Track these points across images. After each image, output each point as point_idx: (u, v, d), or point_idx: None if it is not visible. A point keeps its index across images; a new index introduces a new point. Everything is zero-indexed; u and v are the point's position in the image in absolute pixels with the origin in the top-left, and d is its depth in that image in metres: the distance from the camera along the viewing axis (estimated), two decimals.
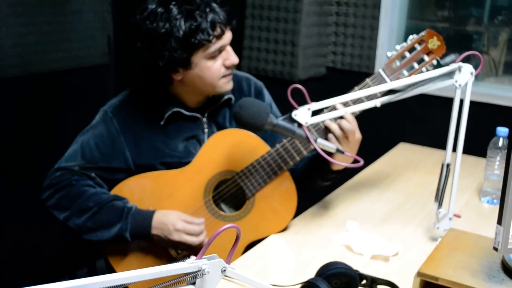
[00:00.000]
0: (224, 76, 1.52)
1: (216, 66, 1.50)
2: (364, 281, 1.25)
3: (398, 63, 1.49)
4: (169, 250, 1.54)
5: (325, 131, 1.47)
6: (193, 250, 1.48)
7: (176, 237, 1.45)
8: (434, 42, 1.46)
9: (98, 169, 1.54)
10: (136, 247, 1.55)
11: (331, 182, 1.65)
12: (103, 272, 0.78)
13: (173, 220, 1.45)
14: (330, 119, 1.44)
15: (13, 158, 2.45)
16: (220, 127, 1.63)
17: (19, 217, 2.47)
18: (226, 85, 1.54)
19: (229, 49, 1.52)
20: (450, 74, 1.37)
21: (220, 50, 1.50)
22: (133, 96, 1.60)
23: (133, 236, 1.47)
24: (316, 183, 1.64)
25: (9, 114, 2.41)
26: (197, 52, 1.45)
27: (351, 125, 1.45)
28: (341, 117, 1.45)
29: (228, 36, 1.50)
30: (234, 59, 1.52)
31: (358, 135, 1.47)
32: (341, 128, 1.44)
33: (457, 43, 2.72)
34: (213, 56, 1.48)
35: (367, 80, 1.49)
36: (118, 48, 2.88)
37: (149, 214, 1.47)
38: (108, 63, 2.86)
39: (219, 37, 1.46)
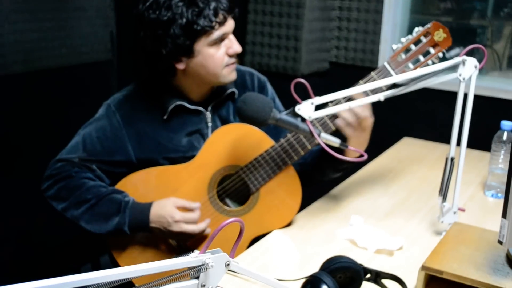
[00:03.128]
0: (227, 66, 1.52)
1: (219, 54, 1.49)
2: (368, 275, 1.25)
3: (403, 56, 1.48)
4: (169, 240, 1.54)
5: (335, 120, 1.46)
6: (194, 238, 1.49)
7: (176, 228, 1.45)
8: (440, 34, 1.45)
9: (99, 162, 1.55)
10: (140, 241, 1.56)
11: (342, 173, 1.65)
12: (107, 268, 0.78)
13: (170, 212, 1.45)
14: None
15: (17, 154, 2.46)
16: (224, 121, 1.62)
17: (23, 212, 2.48)
18: (230, 75, 1.54)
19: (232, 37, 1.52)
20: (454, 68, 1.36)
21: (223, 38, 1.49)
22: (136, 90, 1.60)
23: (132, 230, 1.48)
24: (327, 175, 1.64)
25: (12, 111, 2.41)
26: (199, 39, 1.45)
27: (365, 110, 1.44)
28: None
29: (230, 23, 1.50)
30: (237, 47, 1.52)
31: (371, 119, 1.47)
32: (354, 115, 1.44)
33: (461, 37, 2.71)
34: (216, 44, 1.48)
35: (372, 73, 1.48)
36: (120, 44, 2.88)
37: (146, 207, 1.48)
38: (111, 59, 2.86)
39: (221, 23, 1.46)
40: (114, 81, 2.90)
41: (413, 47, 1.47)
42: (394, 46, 1.48)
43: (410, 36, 1.47)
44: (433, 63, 1.47)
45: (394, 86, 1.42)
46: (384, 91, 1.44)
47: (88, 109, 1.71)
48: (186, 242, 1.53)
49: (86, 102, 2.14)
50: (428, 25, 1.45)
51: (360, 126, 1.44)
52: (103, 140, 1.54)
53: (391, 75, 1.47)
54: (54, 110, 2.57)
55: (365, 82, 1.48)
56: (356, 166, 1.67)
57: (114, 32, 2.84)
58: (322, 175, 1.63)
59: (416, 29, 1.47)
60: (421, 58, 1.47)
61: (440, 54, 1.47)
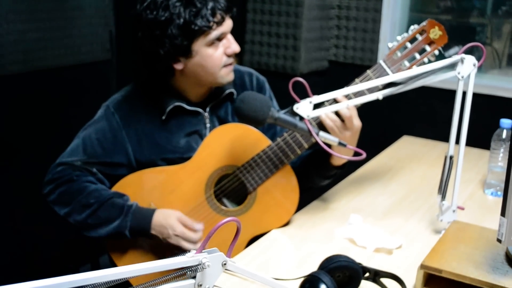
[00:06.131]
0: (225, 66, 1.51)
1: (217, 54, 1.49)
2: (367, 274, 1.25)
3: (399, 54, 1.47)
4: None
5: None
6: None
7: (174, 241, 1.46)
8: (436, 32, 1.44)
9: (99, 164, 1.54)
10: (138, 243, 1.55)
11: (330, 181, 1.64)
12: (107, 268, 0.78)
13: (173, 224, 1.45)
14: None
15: (16, 154, 2.45)
16: (222, 121, 1.62)
17: (22, 213, 2.48)
18: (228, 75, 1.53)
19: (230, 37, 1.51)
20: (452, 66, 1.36)
21: (221, 38, 1.49)
22: (135, 91, 1.60)
23: (132, 234, 1.48)
24: (314, 182, 1.63)
25: (11, 111, 2.41)
26: (197, 39, 1.45)
27: (349, 111, 1.43)
28: None
29: (228, 23, 1.49)
30: (235, 47, 1.51)
31: (357, 123, 1.44)
32: (338, 116, 1.43)
33: (460, 35, 2.71)
34: (213, 44, 1.47)
35: (368, 71, 1.48)
36: (120, 44, 2.88)
37: (149, 213, 1.47)
38: (110, 59, 2.86)
39: (219, 23, 1.45)
40: (113, 81, 2.89)
41: (409, 45, 1.47)
42: (390, 44, 1.47)
43: (405, 34, 1.47)
44: (429, 61, 1.46)
45: (391, 84, 1.41)
46: (381, 89, 1.44)
47: (87, 109, 1.71)
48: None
49: (85, 102, 2.14)
50: (424, 23, 1.45)
51: (344, 126, 1.43)
52: (103, 141, 1.54)
53: (387, 73, 1.47)
54: (53, 110, 2.57)
55: (361, 81, 1.48)
56: (355, 165, 1.67)
57: (113, 31, 2.84)
58: (308, 182, 1.62)
59: (412, 27, 1.46)
60: (417, 55, 1.47)
61: (436, 52, 1.47)
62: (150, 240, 1.53)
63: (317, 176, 1.61)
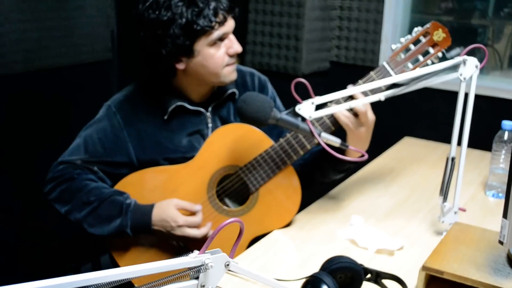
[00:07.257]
0: (227, 65, 1.51)
1: (219, 54, 1.49)
2: (368, 275, 1.25)
3: (402, 56, 1.47)
4: (172, 241, 1.54)
5: (335, 121, 1.46)
6: (197, 242, 1.49)
7: (179, 232, 1.45)
8: (439, 34, 1.44)
9: (100, 163, 1.55)
10: (139, 242, 1.55)
11: (344, 175, 1.64)
12: (108, 268, 0.77)
13: (173, 216, 1.45)
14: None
15: (18, 154, 2.46)
16: (224, 121, 1.62)
17: (23, 212, 2.48)
18: (230, 74, 1.54)
19: (232, 37, 1.52)
20: (455, 68, 1.36)
21: (223, 38, 1.49)
22: (137, 91, 1.60)
23: (134, 232, 1.48)
24: (328, 176, 1.63)
25: (12, 110, 2.41)
26: (199, 39, 1.45)
27: (363, 106, 1.42)
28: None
29: (230, 23, 1.50)
30: (237, 47, 1.52)
31: (371, 116, 1.45)
32: (352, 112, 1.43)
33: (462, 36, 2.71)
34: (215, 44, 1.47)
35: (371, 73, 1.48)
36: (121, 44, 2.88)
37: (148, 210, 1.47)
38: (112, 59, 2.86)
39: (221, 23, 1.46)
40: (114, 80, 2.89)
41: (412, 47, 1.47)
42: (394, 46, 1.47)
43: (409, 36, 1.47)
44: (433, 63, 1.46)
45: (394, 85, 1.41)
46: (383, 90, 1.44)
47: (88, 108, 1.71)
48: (188, 244, 1.53)
49: (87, 101, 2.14)
50: (427, 25, 1.45)
51: (359, 122, 1.43)
52: (104, 141, 1.54)
53: (390, 75, 1.47)
54: (54, 109, 2.57)
55: (364, 82, 1.48)
56: (356, 166, 1.67)
57: (115, 31, 2.84)
58: (323, 176, 1.63)
59: (416, 29, 1.46)
60: (421, 58, 1.47)
61: (440, 54, 1.47)
62: (150, 238, 1.53)
63: (332, 170, 1.60)
